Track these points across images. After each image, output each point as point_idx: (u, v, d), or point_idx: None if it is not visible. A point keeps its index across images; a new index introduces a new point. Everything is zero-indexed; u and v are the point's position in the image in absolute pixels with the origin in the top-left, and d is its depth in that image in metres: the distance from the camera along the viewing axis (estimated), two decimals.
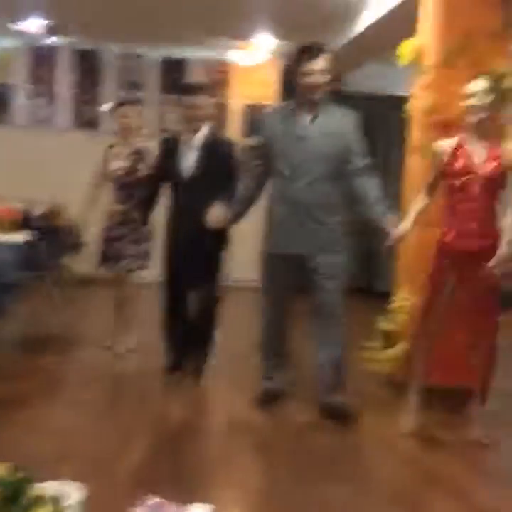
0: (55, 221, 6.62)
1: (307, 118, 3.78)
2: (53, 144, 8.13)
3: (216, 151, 4.27)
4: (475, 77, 3.66)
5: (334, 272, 3.87)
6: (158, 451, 3.32)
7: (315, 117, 3.78)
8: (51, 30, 7.40)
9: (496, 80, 3.64)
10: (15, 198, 5.65)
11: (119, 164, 4.96)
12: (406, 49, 4.49)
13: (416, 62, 4.48)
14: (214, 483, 3.04)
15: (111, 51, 8.17)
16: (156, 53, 8.22)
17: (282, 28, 6.72)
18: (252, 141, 4.05)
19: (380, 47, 6.10)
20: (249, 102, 8.25)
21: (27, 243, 5.36)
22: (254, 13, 6.34)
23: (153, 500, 2.22)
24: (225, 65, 8.27)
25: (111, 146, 5.11)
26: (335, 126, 3.79)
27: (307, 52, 3.69)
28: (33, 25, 7.16)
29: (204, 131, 4.31)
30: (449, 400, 4.03)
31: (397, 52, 4.52)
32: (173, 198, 4.38)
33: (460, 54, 4.18)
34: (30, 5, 6.45)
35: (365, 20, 5.91)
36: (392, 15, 5.38)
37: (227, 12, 6.18)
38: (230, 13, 6.19)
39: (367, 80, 7.98)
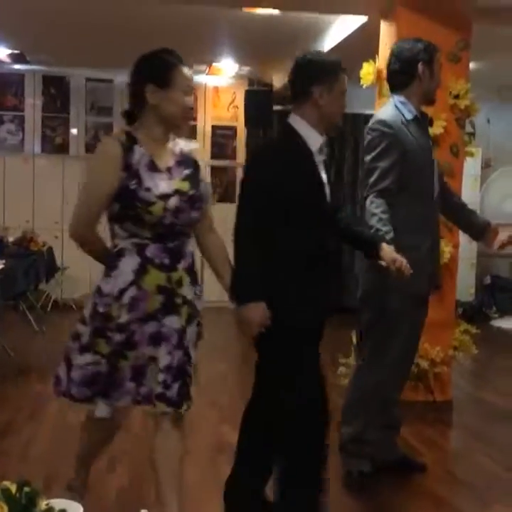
0: (29, 247, 6.70)
1: (423, 127, 3.28)
2: (23, 169, 8.18)
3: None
4: None
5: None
6: (144, 474, 3.38)
7: (429, 125, 3.36)
8: (17, 58, 7.50)
9: None
10: None
11: (165, 187, 2.49)
12: (367, 71, 4.66)
13: (377, 84, 4.65)
14: (201, 507, 3.09)
15: (79, 76, 8.27)
16: (124, 78, 8.32)
17: (244, 53, 6.88)
18: None
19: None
20: (215, 123, 8.55)
21: (1, 271, 5.40)
22: (217, 39, 6.51)
23: None
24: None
25: (128, 142, 2.54)
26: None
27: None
28: None
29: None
30: None
31: (360, 73, 4.69)
32: (303, 240, 2.61)
33: None
34: None
35: (326, 42, 6.08)
36: (354, 37, 5.54)
37: (191, 38, 6.31)
38: (193, 39, 6.32)
39: None
